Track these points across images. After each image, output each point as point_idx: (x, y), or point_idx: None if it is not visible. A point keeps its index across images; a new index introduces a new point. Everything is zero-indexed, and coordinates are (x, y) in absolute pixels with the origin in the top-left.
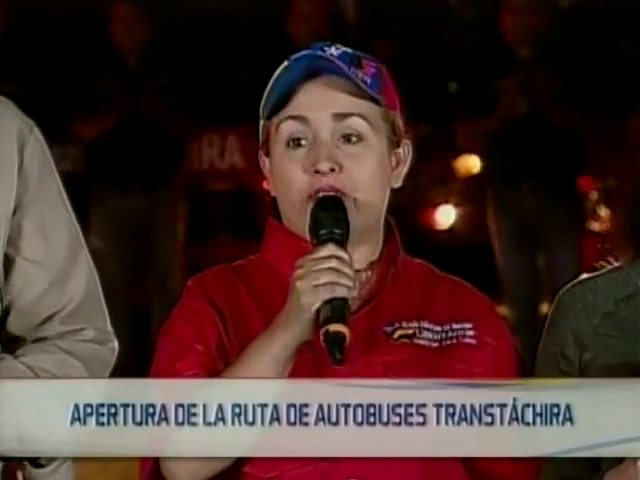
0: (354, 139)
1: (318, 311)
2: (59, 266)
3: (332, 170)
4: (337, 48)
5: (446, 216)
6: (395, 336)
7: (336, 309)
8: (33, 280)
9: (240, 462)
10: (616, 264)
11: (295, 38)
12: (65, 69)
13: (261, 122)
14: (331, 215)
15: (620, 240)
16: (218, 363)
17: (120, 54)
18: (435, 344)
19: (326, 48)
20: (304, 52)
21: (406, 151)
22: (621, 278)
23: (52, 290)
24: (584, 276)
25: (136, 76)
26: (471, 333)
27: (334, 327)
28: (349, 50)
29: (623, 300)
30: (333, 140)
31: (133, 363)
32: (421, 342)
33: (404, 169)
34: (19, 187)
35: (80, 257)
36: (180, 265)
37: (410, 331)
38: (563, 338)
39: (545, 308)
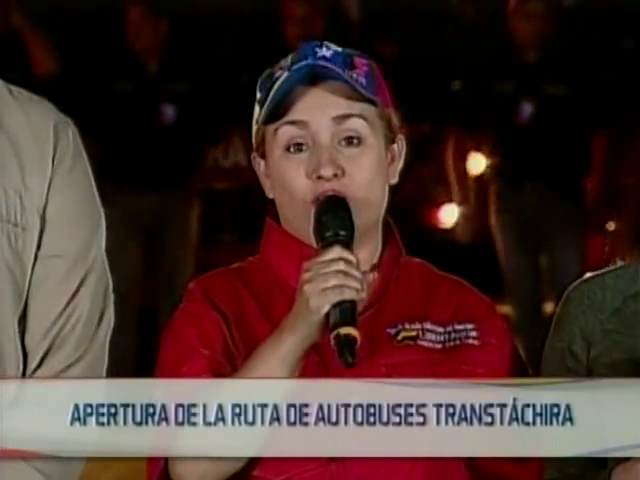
0: (355, 141)
1: (327, 314)
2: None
3: (335, 175)
4: (328, 48)
5: (449, 215)
6: (399, 338)
7: (345, 312)
8: (49, 274)
9: (249, 465)
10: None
11: (290, 41)
12: (83, 72)
13: (255, 126)
14: (335, 216)
15: (626, 240)
16: (224, 366)
17: (136, 57)
18: (439, 345)
19: (317, 49)
20: (303, 62)
21: (400, 147)
22: (629, 275)
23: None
24: (592, 273)
25: (152, 79)
26: (474, 334)
27: (344, 330)
28: (340, 49)
29: (631, 297)
30: (334, 144)
31: (140, 361)
32: (425, 343)
33: (399, 165)
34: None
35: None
36: (191, 265)
37: (413, 332)
38: (570, 334)
39: (548, 307)
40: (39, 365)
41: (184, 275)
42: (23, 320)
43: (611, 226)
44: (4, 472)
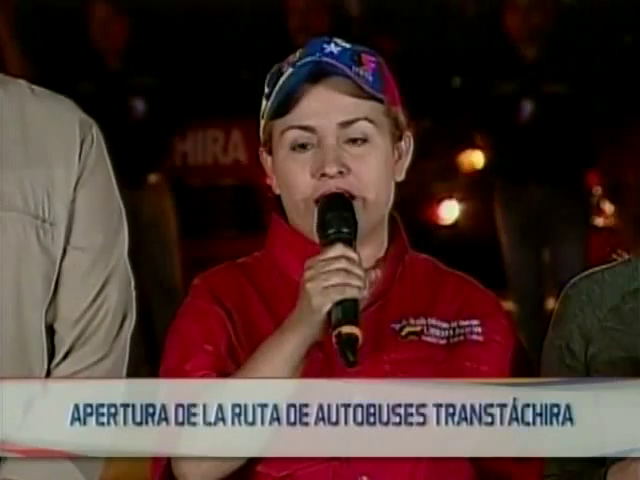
0: (359, 141)
1: (329, 312)
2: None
3: (340, 173)
4: (337, 44)
5: (450, 211)
6: (403, 333)
7: (347, 310)
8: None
9: (253, 461)
10: (625, 257)
11: (293, 33)
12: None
13: (262, 120)
14: (338, 214)
15: (629, 235)
16: (227, 363)
17: (101, 55)
18: (443, 341)
19: (325, 45)
20: (308, 59)
21: (408, 144)
22: (628, 272)
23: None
24: (591, 270)
25: (119, 76)
26: (478, 330)
27: (346, 329)
28: (348, 45)
29: (630, 294)
30: (339, 143)
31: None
32: (429, 339)
33: (406, 162)
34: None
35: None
36: (181, 261)
37: (418, 328)
38: (568, 332)
39: (550, 303)
40: (65, 356)
41: (166, 271)
42: (53, 312)
43: (600, 221)
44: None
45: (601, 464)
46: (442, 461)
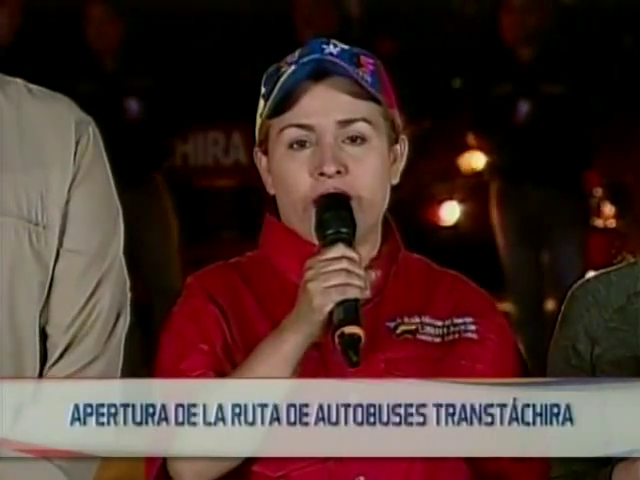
0: (358, 141)
1: (330, 312)
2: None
3: (338, 172)
4: (335, 45)
5: (451, 212)
6: (398, 332)
7: (349, 310)
8: (70, 270)
9: (249, 461)
10: (632, 260)
11: (298, 26)
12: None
13: (259, 120)
14: (337, 214)
15: (633, 237)
16: (223, 362)
17: (96, 56)
18: (437, 339)
19: (324, 46)
20: (310, 57)
21: (403, 147)
22: (634, 273)
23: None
24: (599, 271)
25: (115, 77)
26: (473, 328)
27: (349, 329)
28: (346, 47)
29: (635, 295)
30: (337, 142)
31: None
32: (423, 337)
33: (401, 165)
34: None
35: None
36: (181, 262)
37: (412, 327)
38: (575, 332)
39: (549, 304)
40: (58, 359)
41: (169, 273)
42: (46, 315)
43: (600, 222)
44: (25, 470)
45: (606, 464)
46: (438, 461)
